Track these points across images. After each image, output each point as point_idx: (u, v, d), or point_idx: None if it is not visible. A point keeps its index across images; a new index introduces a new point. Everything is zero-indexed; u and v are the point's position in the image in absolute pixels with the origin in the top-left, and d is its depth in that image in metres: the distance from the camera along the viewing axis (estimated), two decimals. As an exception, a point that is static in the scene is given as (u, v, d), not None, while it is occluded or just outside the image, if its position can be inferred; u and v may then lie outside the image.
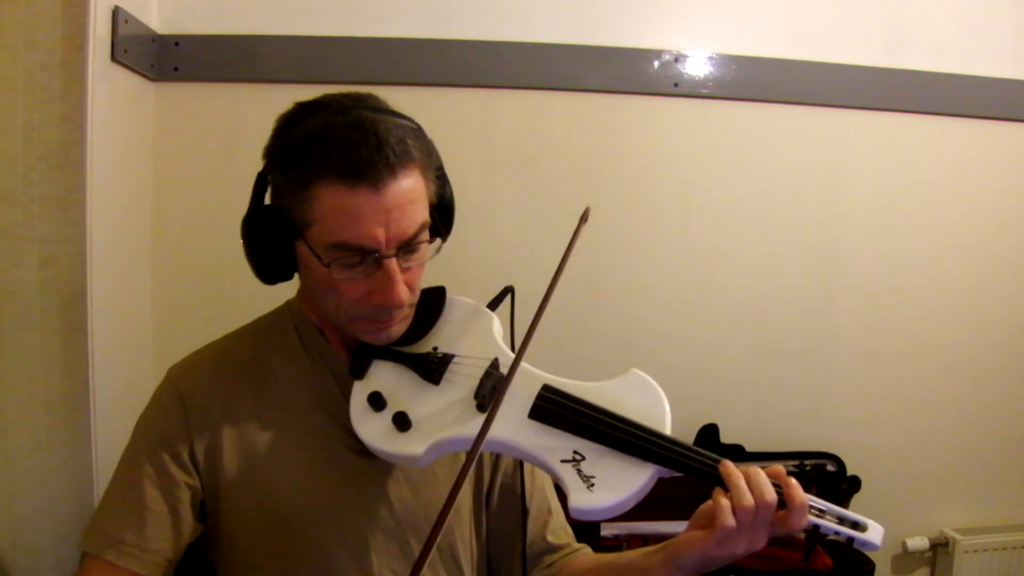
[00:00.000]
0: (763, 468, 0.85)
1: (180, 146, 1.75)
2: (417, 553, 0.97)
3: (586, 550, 1.11)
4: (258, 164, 0.95)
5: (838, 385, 2.02)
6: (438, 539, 0.72)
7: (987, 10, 1.97)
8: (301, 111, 0.92)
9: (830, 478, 1.90)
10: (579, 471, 0.85)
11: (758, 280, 1.96)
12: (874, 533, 0.82)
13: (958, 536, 2.03)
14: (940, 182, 1.99)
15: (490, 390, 0.91)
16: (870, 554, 1.79)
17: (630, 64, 1.85)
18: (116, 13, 1.48)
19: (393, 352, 0.98)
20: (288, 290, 1.05)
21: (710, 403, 1.92)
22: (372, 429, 0.92)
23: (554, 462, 0.86)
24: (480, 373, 0.94)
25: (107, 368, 1.41)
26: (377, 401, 0.93)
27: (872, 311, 2.00)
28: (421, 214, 0.91)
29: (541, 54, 1.82)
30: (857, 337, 2.01)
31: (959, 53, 1.95)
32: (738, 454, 1.86)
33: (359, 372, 0.97)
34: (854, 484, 1.90)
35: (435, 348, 0.99)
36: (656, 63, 1.86)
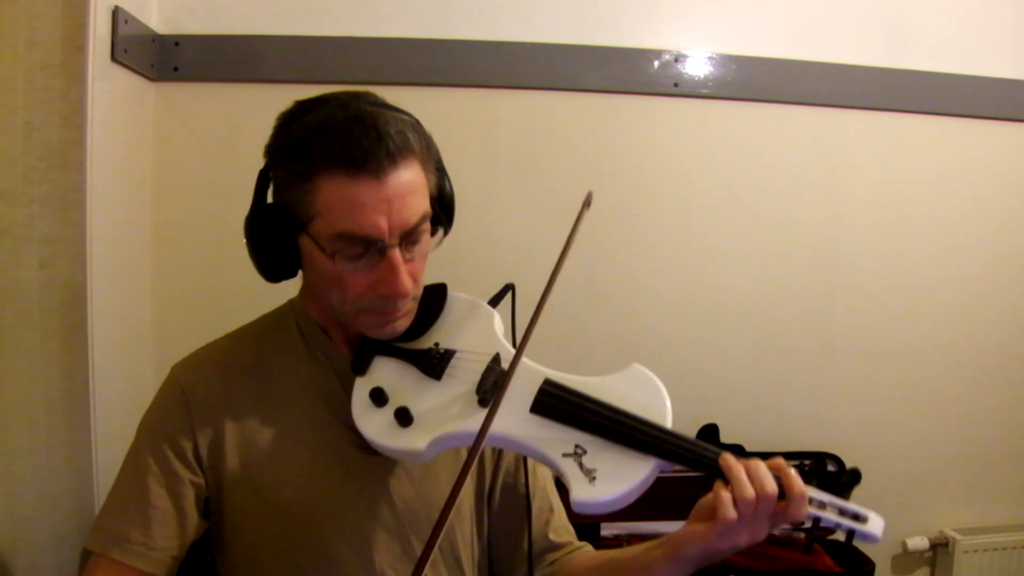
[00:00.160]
0: (763, 460, 0.85)
1: (180, 146, 1.75)
2: (418, 551, 0.97)
3: (588, 548, 1.11)
4: (258, 164, 0.95)
5: (838, 385, 2.02)
6: (439, 538, 0.71)
7: (987, 10, 1.98)
8: (301, 108, 0.93)
9: (830, 477, 1.89)
10: (581, 464, 0.85)
11: (758, 280, 1.96)
12: (875, 525, 0.82)
13: (958, 536, 2.03)
14: (940, 182, 2.00)
15: (492, 385, 0.91)
16: (870, 553, 1.79)
17: (630, 64, 1.85)
18: (116, 13, 1.49)
19: (395, 348, 0.98)
20: (288, 291, 1.05)
21: (710, 403, 1.92)
22: (374, 424, 0.92)
23: (555, 456, 0.86)
24: (482, 368, 0.94)
25: (107, 368, 1.41)
26: (379, 397, 0.93)
27: (872, 311, 2.00)
28: (422, 204, 0.91)
29: (541, 54, 1.82)
30: (857, 337, 2.01)
31: (959, 53, 1.95)
32: (738, 454, 1.82)
33: (361, 368, 0.97)
34: (854, 476, 1.90)
35: (436, 344, 0.99)
36: (656, 63, 1.86)
